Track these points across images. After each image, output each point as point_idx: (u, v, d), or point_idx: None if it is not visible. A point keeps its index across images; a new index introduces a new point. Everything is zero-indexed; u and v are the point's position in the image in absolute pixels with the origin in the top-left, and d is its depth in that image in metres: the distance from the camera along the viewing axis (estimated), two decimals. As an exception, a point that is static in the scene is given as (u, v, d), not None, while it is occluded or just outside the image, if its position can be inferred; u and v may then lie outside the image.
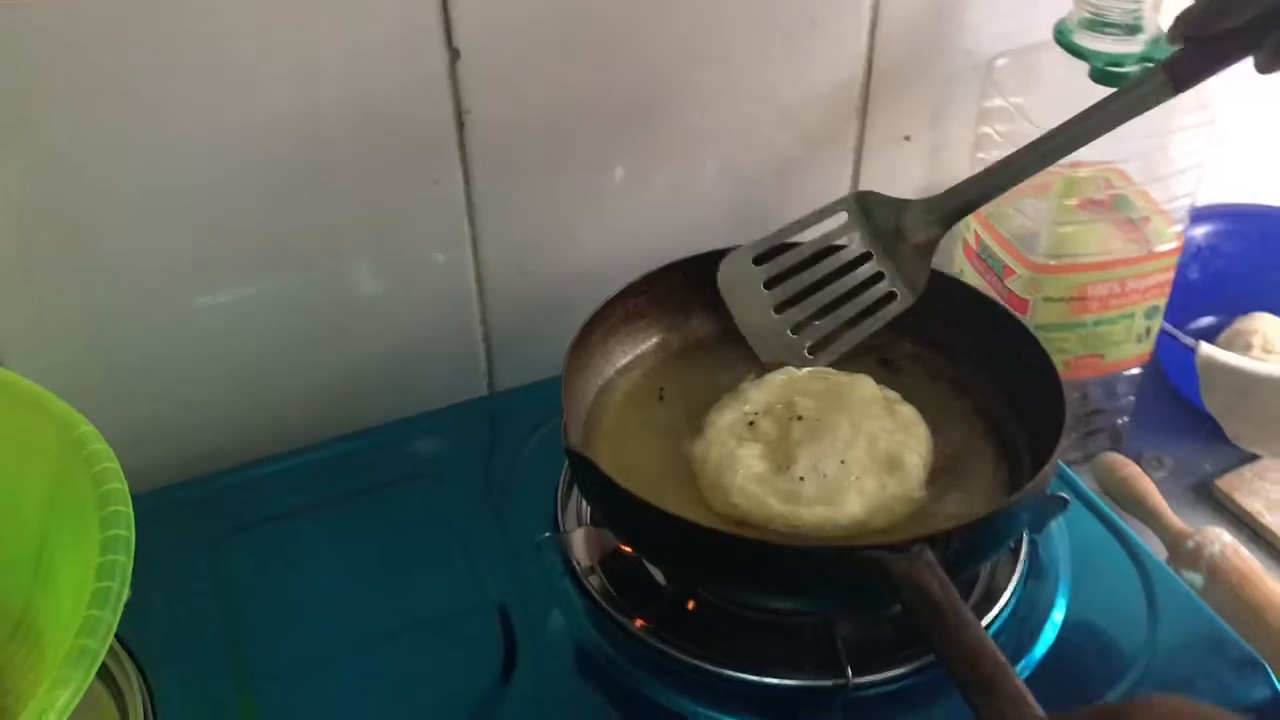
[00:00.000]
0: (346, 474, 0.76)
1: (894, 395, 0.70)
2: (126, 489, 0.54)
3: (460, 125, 0.75)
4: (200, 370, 0.78)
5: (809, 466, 0.63)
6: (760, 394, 0.69)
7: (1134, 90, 0.64)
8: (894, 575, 0.52)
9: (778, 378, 0.70)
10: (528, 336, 0.86)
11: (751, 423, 0.67)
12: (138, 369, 0.76)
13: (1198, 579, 0.80)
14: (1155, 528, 0.85)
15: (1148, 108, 0.64)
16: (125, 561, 0.51)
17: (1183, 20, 0.61)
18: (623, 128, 0.80)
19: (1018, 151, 0.68)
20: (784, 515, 0.61)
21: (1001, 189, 0.69)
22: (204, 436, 0.78)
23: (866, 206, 0.71)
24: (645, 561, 0.67)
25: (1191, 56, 0.62)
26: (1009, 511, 0.58)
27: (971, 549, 0.59)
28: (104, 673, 0.62)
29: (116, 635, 0.48)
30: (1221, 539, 0.81)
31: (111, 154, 0.68)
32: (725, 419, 0.67)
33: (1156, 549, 0.84)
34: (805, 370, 0.71)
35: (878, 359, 0.75)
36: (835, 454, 0.63)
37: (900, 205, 0.70)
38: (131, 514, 0.53)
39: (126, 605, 0.48)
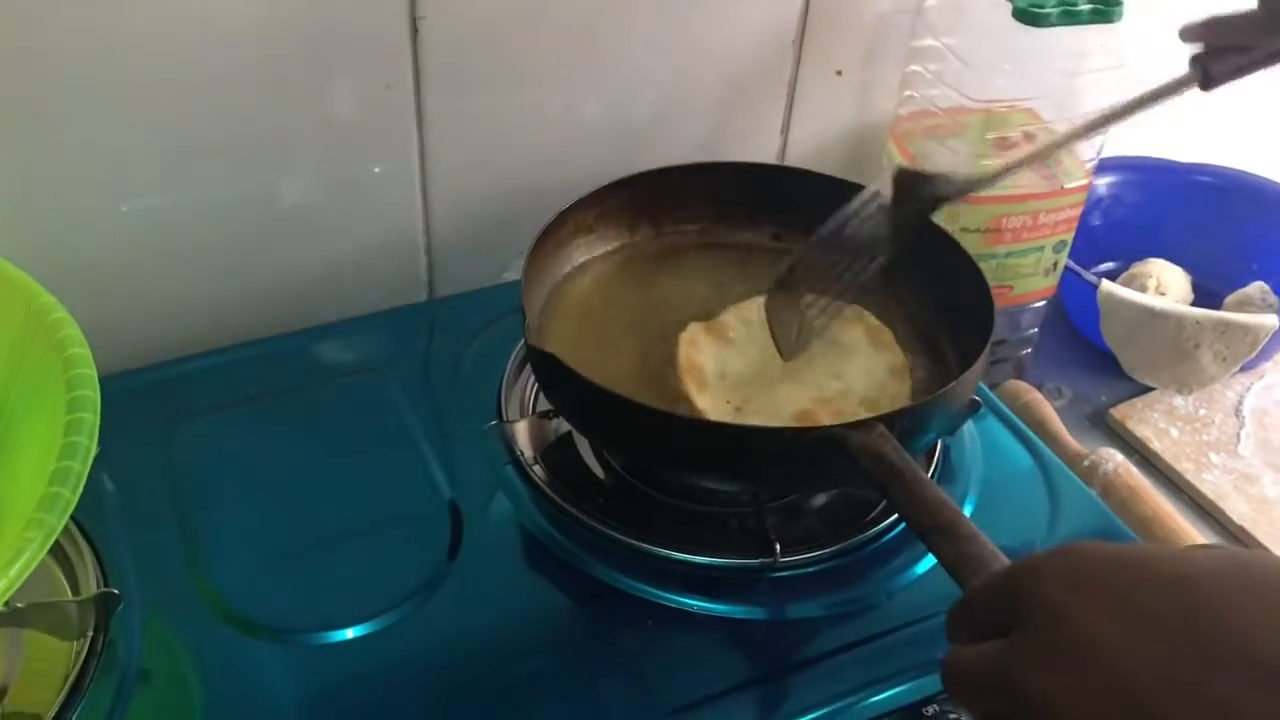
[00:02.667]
0: (292, 368, 0.78)
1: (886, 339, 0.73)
2: (90, 354, 0.56)
3: (414, 32, 0.77)
4: (150, 266, 0.79)
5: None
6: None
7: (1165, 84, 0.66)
8: (852, 446, 0.56)
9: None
10: (468, 248, 0.88)
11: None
12: (88, 263, 0.76)
13: (1093, 494, 0.86)
14: (1054, 449, 0.91)
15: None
16: (92, 421, 0.53)
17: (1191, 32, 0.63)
18: (568, 48, 0.83)
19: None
20: None
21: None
22: (152, 329, 0.79)
23: (901, 182, 0.71)
24: (596, 451, 0.71)
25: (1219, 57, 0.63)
26: (946, 396, 0.62)
27: (916, 429, 0.62)
28: (55, 546, 0.63)
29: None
30: (1115, 458, 0.87)
31: (69, 48, 0.68)
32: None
33: (1055, 468, 0.90)
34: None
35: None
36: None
37: (929, 179, 0.71)
38: (95, 377, 0.54)
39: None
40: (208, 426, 0.72)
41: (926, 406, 0.61)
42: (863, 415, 0.65)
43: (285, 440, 0.72)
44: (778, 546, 0.63)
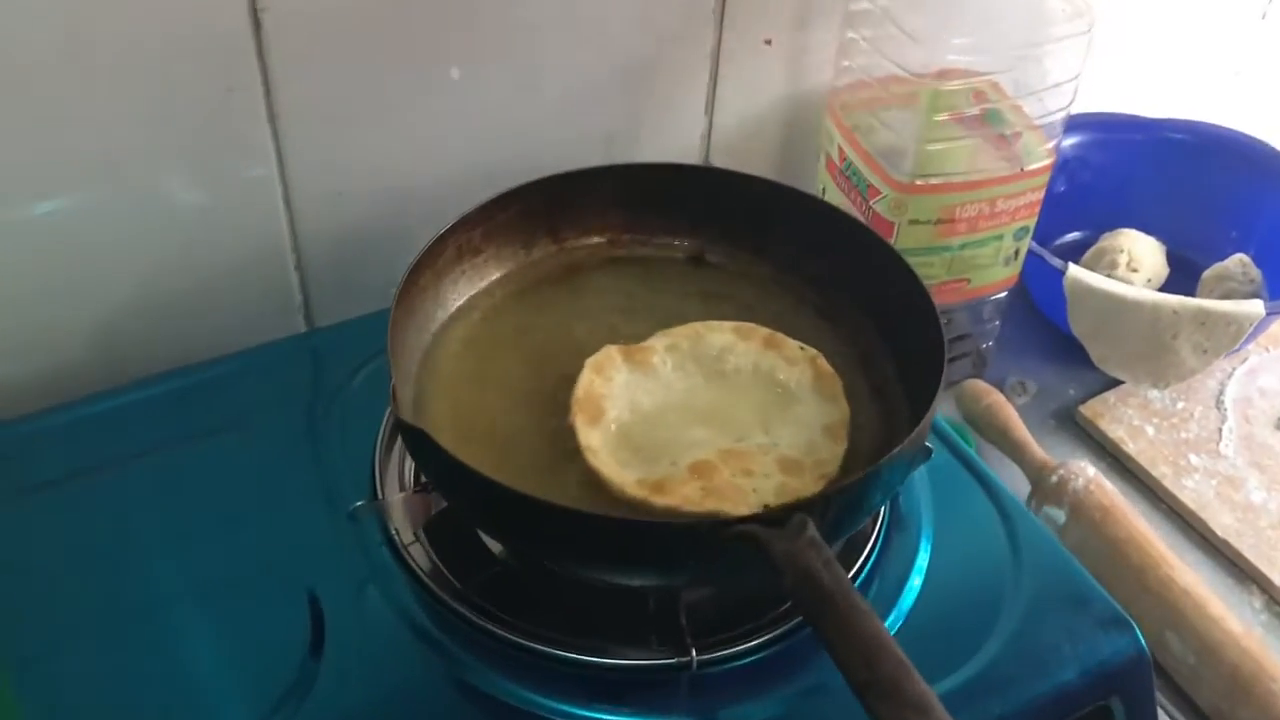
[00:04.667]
0: (137, 428, 0.66)
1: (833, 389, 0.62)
2: None
3: (256, 25, 0.65)
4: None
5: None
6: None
7: None
8: (775, 557, 0.46)
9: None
10: (348, 266, 0.77)
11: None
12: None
13: (1060, 515, 0.77)
14: (1019, 460, 0.82)
15: None
16: None
17: None
18: (443, 29, 0.71)
19: None
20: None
21: None
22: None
23: None
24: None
25: None
26: (886, 467, 0.52)
27: (851, 511, 0.53)
28: None
29: None
30: (1085, 473, 0.78)
31: None
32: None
33: (1019, 480, 0.81)
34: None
35: (735, 288, 0.69)
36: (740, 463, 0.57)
37: None
38: None
39: None
40: (28, 510, 0.61)
41: (858, 485, 0.50)
42: (776, 477, 0.55)
43: (122, 522, 0.61)
44: (693, 650, 0.53)
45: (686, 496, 0.54)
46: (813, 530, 0.46)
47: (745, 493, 0.54)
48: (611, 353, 0.63)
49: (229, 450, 0.65)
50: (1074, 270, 0.85)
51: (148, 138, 0.67)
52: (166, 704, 0.53)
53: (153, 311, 0.73)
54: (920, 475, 0.65)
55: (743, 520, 0.48)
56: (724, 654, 0.55)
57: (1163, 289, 0.95)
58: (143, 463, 0.64)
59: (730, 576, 0.54)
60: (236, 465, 0.64)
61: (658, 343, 0.64)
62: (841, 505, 0.50)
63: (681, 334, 0.64)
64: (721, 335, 0.64)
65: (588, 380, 0.61)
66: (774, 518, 0.47)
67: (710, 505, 0.53)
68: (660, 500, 0.54)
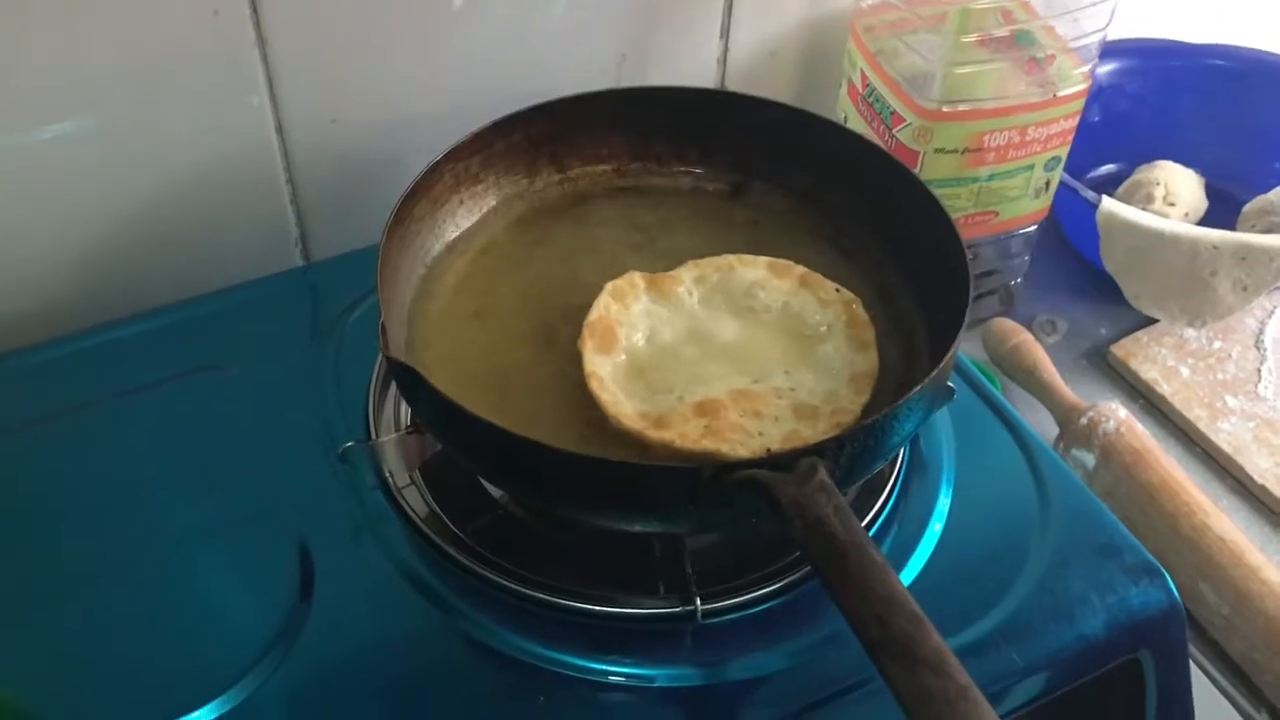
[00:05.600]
0: (128, 365, 0.64)
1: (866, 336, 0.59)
2: None
3: (241, -62, 0.61)
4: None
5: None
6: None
7: None
8: (784, 505, 0.43)
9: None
10: (345, 199, 0.74)
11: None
12: None
13: (1090, 459, 0.74)
14: (1047, 402, 0.78)
15: None
16: None
17: None
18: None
19: None
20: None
21: None
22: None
23: None
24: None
25: None
26: (904, 408, 0.49)
27: (866, 455, 0.49)
28: None
29: None
30: (1116, 415, 0.75)
31: None
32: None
33: (1047, 423, 0.78)
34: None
35: (750, 219, 0.65)
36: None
37: None
38: None
39: None
40: (16, 446, 0.59)
41: (874, 427, 0.47)
42: (788, 423, 0.52)
43: (88, 469, 0.58)
44: (699, 600, 0.50)
45: (684, 434, 0.51)
46: (823, 475, 0.43)
47: (749, 435, 0.51)
48: (635, 278, 0.59)
49: (222, 388, 0.62)
50: (1107, 203, 0.81)
51: (131, 63, 0.64)
52: (150, 646, 0.51)
53: (145, 246, 0.71)
54: (943, 417, 0.62)
55: (748, 464, 0.44)
56: (730, 603, 0.52)
57: (1201, 223, 0.90)
58: (134, 399, 0.61)
59: (736, 523, 0.51)
60: (230, 403, 0.62)
61: (686, 273, 0.61)
62: (855, 450, 0.46)
63: (712, 265, 0.61)
64: (755, 270, 0.61)
65: (604, 304, 0.58)
66: (781, 462, 0.44)
67: (707, 445, 0.50)
68: (656, 435, 0.51)
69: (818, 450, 0.45)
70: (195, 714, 0.48)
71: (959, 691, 0.35)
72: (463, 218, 0.63)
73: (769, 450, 0.50)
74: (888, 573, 0.39)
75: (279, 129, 0.69)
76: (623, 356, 0.56)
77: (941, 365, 0.49)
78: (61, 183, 0.66)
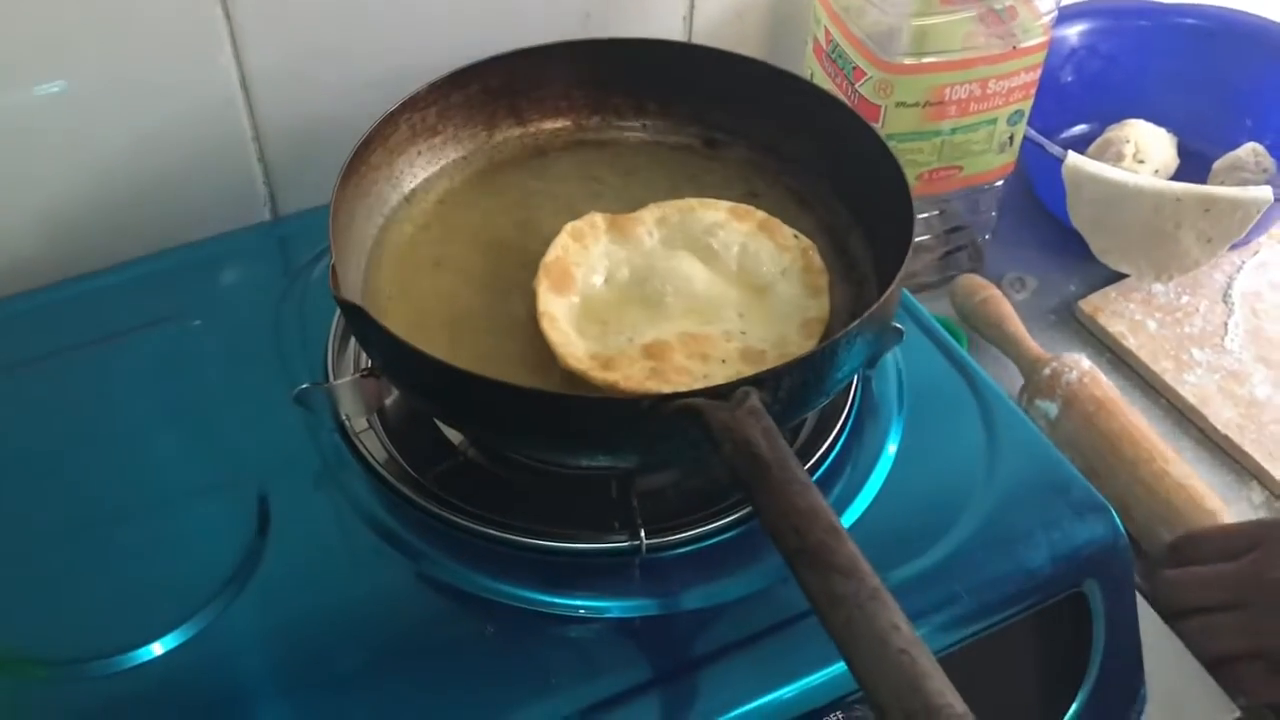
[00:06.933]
0: (95, 317, 0.65)
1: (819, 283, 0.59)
2: None
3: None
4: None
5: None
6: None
7: None
8: (714, 427, 0.43)
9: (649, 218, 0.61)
10: (312, 155, 0.73)
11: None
12: None
13: (1052, 408, 0.74)
14: (1012, 355, 0.79)
15: None
16: None
17: None
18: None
19: None
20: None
21: None
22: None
23: None
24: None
25: None
26: (843, 344, 0.49)
27: (804, 389, 0.50)
28: None
29: None
30: (1079, 365, 0.75)
31: None
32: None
33: (1014, 376, 0.79)
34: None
35: (708, 171, 0.66)
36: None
37: None
38: None
39: None
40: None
41: (812, 360, 0.48)
42: (734, 365, 0.53)
43: (55, 416, 0.60)
44: (643, 534, 0.51)
45: (629, 375, 0.52)
46: (755, 401, 0.43)
47: (694, 379, 0.52)
48: (595, 219, 0.60)
49: (188, 337, 0.63)
50: (1073, 158, 0.81)
51: (97, 18, 0.64)
52: (113, 580, 0.52)
53: (113, 202, 0.71)
54: (897, 363, 0.63)
55: (687, 395, 0.45)
56: (674, 539, 0.53)
57: (1172, 180, 0.91)
58: (101, 349, 0.62)
59: (679, 454, 0.51)
60: (195, 352, 0.63)
61: (648, 214, 0.61)
62: (794, 382, 0.47)
63: (674, 207, 0.62)
64: (715, 213, 0.61)
65: (562, 245, 0.58)
66: (718, 391, 0.45)
67: (650, 387, 0.51)
68: (601, 376, 0.52)
69: (755, 381, 0.45)
70: (157, 642, 0.49)
71: (870, 593, 0.36)
72: (421, 169, 0.64)
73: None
74: (809, 488, 0.40)
75: (244, 85, 0.70)
76: (577, 298, 0.57)
77: (882, 300, 0.50)
78: (29, 138, 0.67)
